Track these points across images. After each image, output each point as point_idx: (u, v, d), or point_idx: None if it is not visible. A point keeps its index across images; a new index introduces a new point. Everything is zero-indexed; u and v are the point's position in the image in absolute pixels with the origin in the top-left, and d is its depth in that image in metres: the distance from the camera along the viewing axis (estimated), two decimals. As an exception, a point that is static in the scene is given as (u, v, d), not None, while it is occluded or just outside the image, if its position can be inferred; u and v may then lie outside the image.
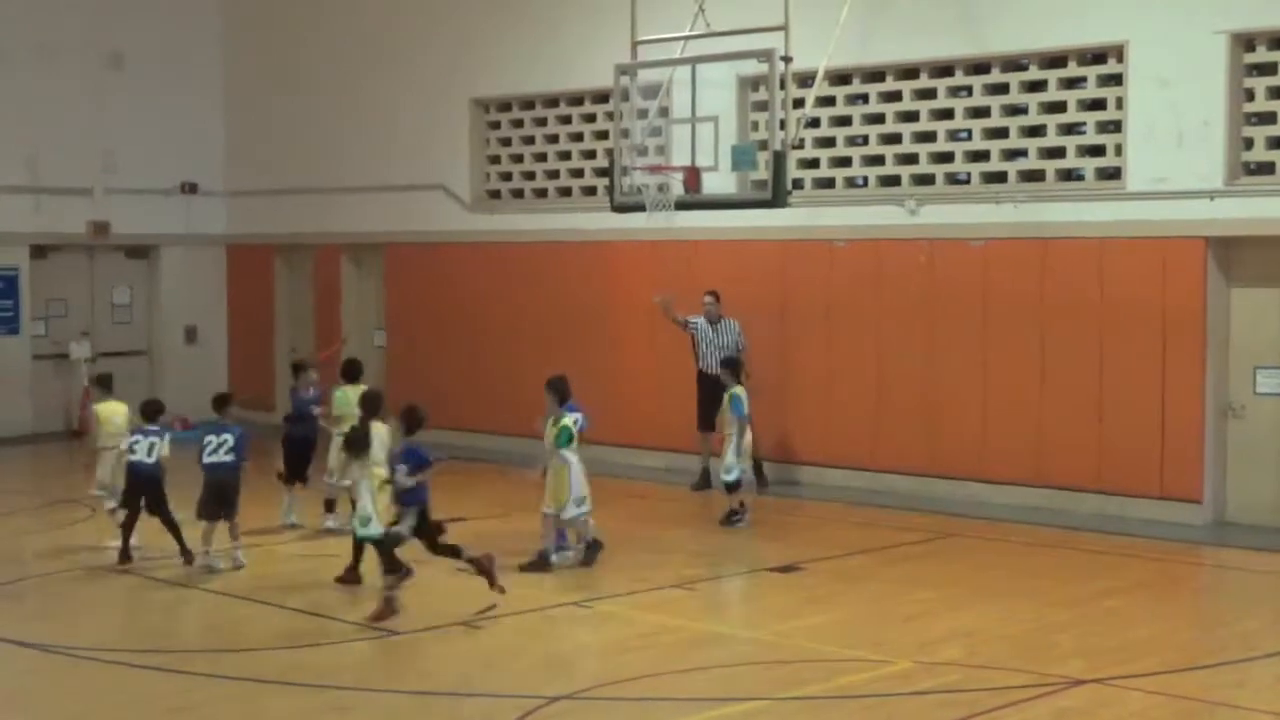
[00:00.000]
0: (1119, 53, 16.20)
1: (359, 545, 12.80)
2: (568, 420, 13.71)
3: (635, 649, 11.27)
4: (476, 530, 15.42)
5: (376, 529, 12.25)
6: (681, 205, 16.30)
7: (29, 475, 15.99)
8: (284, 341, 24.59)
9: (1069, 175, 16.82)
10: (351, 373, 15.59)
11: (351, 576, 13.03)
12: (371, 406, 12.94)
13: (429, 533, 12.32)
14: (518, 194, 21.78)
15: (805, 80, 16.26)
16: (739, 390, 15.96)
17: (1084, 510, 16.22)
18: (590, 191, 20.59)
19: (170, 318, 24.83)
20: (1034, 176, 16.99)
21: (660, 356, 19.29)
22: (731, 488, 15.85)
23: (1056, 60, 16.77)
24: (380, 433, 12.62)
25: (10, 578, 13.56)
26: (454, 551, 12.33)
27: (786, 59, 15.43)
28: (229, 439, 13.74)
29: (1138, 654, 11.00)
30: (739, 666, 10.79)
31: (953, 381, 17.37)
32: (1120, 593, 13.07)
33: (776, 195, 15.80)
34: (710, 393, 17.63)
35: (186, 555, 13.75)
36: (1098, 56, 16.49)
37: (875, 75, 18.04)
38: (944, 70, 17.57)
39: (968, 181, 17.49)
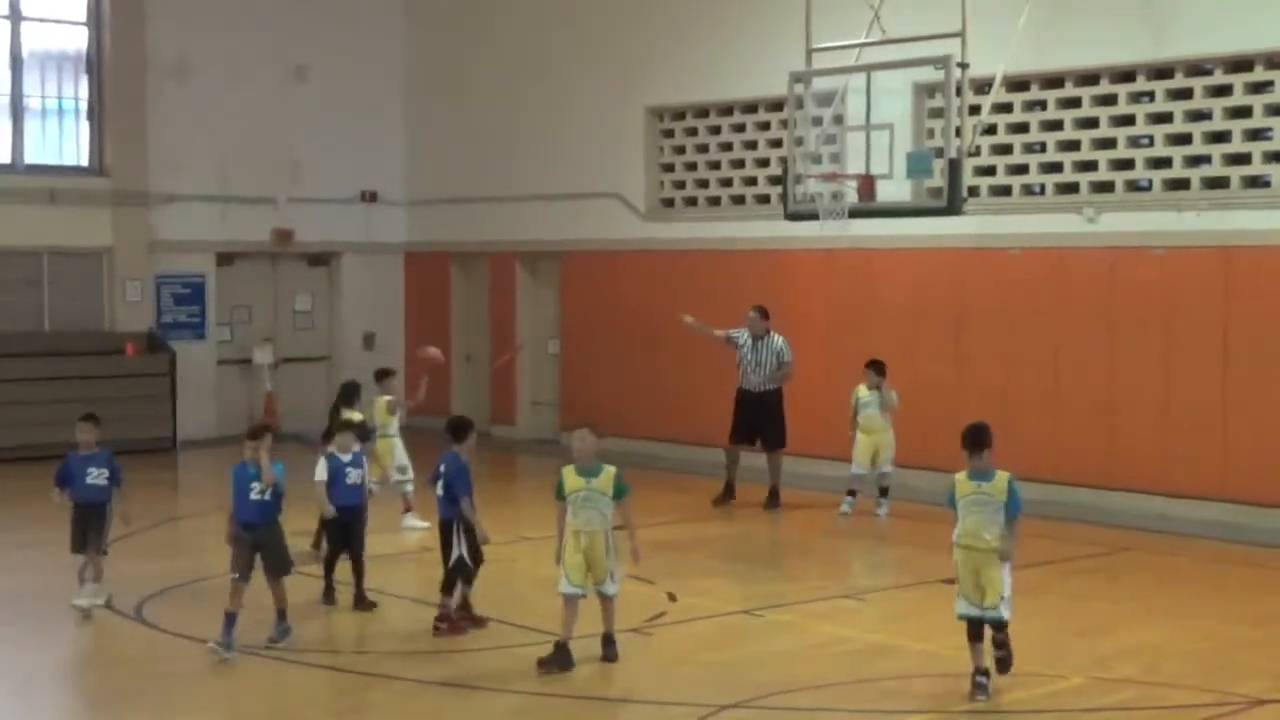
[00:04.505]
0: (1308, 56, 15.83)
1: None
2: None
3: (806, 659, 11.24)
4: (644, 538, 15.50)
5: None
6: (856, 213, 16.25)
7: (214, 478, 16.42)
8: (460, 349, 24.95)
9: (1254, 182, 16.42)
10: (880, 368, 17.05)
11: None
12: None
13: None
14: (691, 202, 21.85)
15: (982, 87, 16.11)
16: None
17: (1269, 525, 15.80)
18: (764, 200, 20.58)
19: (350, 324, 25.34)
20: (1218, 184, 16.62)
21: (835, 365, 19.20)
22: (1003, 628, 10.24)
23: (1242, 64, 16.39)
24: None
25: (194, 577, 13.91)
26: None
27: (963, 65, 15.31)
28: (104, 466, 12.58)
29: (1324, 675, 10.72)
30: (910, 678, 10.71)
31: (1133, 392, 17.06)
32: (1306, 611, 12.76)
33: (952, 203, 15.70)
34: (747, 411, 17.63)
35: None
36: (1285, 60, 16.13)
37: (1054, 81, 17.79)
38: (1125, 76, 17.27)
39: (1149, 189, 17.17)
